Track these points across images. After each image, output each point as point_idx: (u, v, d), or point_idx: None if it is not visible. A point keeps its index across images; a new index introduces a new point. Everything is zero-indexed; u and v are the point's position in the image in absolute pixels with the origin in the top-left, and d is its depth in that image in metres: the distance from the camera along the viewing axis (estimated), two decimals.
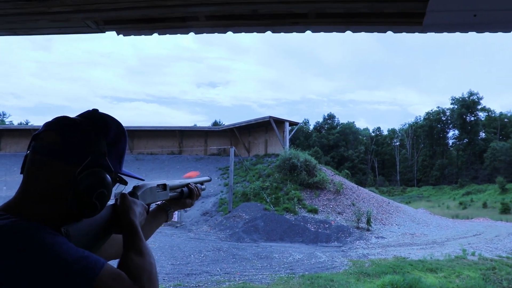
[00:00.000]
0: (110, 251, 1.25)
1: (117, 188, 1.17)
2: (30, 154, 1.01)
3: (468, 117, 71.07)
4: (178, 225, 20.46)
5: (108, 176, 1.03)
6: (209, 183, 1.91)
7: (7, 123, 73.93)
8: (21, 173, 1.02)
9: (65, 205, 0.97)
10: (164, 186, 1.40)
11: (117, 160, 1.10)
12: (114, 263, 1.03)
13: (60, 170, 0.97)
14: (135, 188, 1.26)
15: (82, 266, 0.85)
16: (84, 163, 0.99)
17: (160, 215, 1.48)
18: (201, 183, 1.74)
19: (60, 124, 1.02)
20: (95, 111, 1.09)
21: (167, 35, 3.10)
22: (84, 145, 1.00)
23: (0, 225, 0.87)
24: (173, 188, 1.49)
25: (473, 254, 13.91)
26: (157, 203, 1.46)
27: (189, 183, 1.60)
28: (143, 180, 1.27)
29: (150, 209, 1.41)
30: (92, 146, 1.01)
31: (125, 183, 1.17)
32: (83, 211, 0.98)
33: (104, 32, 3.04)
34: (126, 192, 1.21)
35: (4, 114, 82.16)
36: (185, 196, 1.56)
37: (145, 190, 1.28)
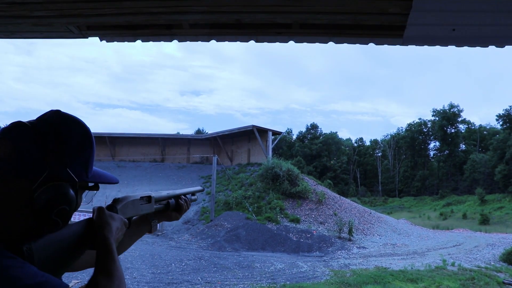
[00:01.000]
0: (87, 259, 1.17)
1: (87, 194, 1.10)
2: None
3: (448, 129, 72.16)
4: (159, 233, 20.26)
5: (70, 190, 0.94)
6: (201, 192, 1.80)
7: None
8: None
9: (24, 222, 0.90)
10: (149, 198, 1.32)
11: (83, 168, 1.00)
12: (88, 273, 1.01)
13: (15, 185, 0.89)
14: (115, 201, 1.18)
15: None
16: (41, 177, 0.90)
17: (143, 225, 1.40)
18: (193, 193, 1.65)
19: (14, 132, 0.92)
20: (57, 112, 0.99)
21: (151, 42, 3.10)
22: (41, 156, 0.91)
23: None
24: (158, 200, 1.40)
25: (453, 264, 14.06)
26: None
27: (178, 195, 1.51)
28: (116, 182, 1.17)
29: (134, 218, 1.33)
30: (51, 157, 0.92)
31: (96, 188, 1.09)
32: (43, 228, 0.91)
33: (87, 38, 3.02)
34: (105, 205, 1.14)
35: None
36: (171, 209, 1.47)
37: (126, 203, 1.20)
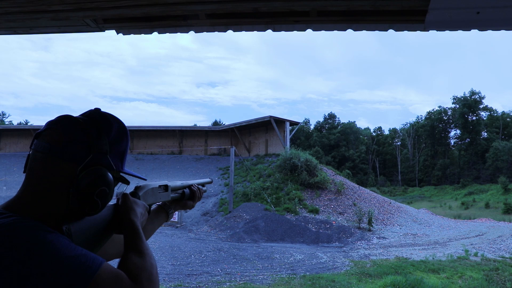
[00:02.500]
0: (111, 251, 1.26)
1: (119, 188, 1.17)
2: (32, 152, 1.01)
3: (470, 117, 70.94)
4: (178, 225, 20.44)
5: (109, 174, 1.03)
6: (210, 183, 1.89)
7: (6, 123, 73.98)
8: (24, 172, 1.02)
9: (66, 203, 0.98)
10: (165, 187, 1.41)
11: (119, 159, 1.11)
12: (115, 263, 1.03)
13: (62, 168, 0.98)
14: (137, 188, 1.27)
15: (80, 263, 0.85)
16: (86, 161, 1.00)
17: (160, 214, 1.48)
18: (203, 184, 1.75)
19: (62, 122, 1.02)
20: (97, 110, 1.10)
21: (167, 34, 3.08)
22: (86, 143, 1.01)
23: (0, 224, 0.87)
24: (174, 189, 1.49)
25: (475, 254, 13.85)
26: (158, 203, 1.47)
27: (191, 185, 1.61)
28: (145, 179, 1.28)
29: (151, 209, 1.42)
30: (94, 145, 1.02)
31: (127, 182, 1.16)
32: (84, 209, 0.99)
33: (104, 31, 3.01)
34: (128, 192, 1.21)
35: (3, 114, 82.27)
36: (186, 198, 1.57)
37: (147, 190, 1.29)
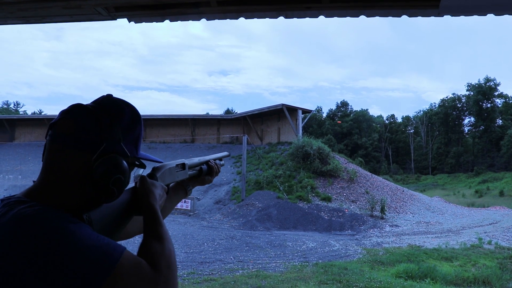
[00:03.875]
0: (132, 229, 1.29)
1: (136, 172, 1.18)
2: (47, 142, 1.02)
3: (484, 104, 69.83)
4: (191, 213, 20.59)
5: (124, 162, 1.03)
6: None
7: (21, 112, 74.76)
8: (42, 160, 1.03)
9: (84, 192, 0.99)
10: (183, 165, 1.43)
11: (133, 145, 1.11)
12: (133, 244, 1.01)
13: (76, 158, 0.99)
14: (154, 169, 1.27)
15: (102, 252, 0.86)
16: (99, 150, 1.00)
17: (179, 192, 1.51)
18: (220, 158, 1.77)
19: (74, 112, 1.02)
20: (109, 96, 1.10)
21: (178, 23, 3.06)
22: (99, 132, 1.01)
23: (26, 214, 0.88)
24: (192, 167, 1.51)
25: (489, 243, 13.76)
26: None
27: (208, 160, 1.63)
28: (161, 162, 1.28)
29: (171, 185, 1.44)
30: (107, 133, 1.02)
31: (143, 166, 1.17)
32: (101, 197, 1.00)
33: (116, 19, 3.00)
34: (145, 174, 1.21)
35: (18, 104, 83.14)
36: (204, 174, 1.60)
37: (164, 171, 1.29)
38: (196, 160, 1.55)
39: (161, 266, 0.95)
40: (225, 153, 1.85)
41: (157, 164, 1.29)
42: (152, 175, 1.24)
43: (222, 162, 1.76)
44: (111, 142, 1.02)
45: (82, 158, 0.99)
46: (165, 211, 1.43)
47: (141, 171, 1.19)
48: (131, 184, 1.16)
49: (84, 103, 1.07)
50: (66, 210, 0.94)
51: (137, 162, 1.13)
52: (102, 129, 1.01)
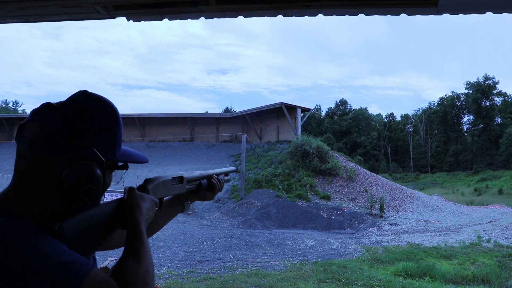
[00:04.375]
0: (118, 239, 1.23)
1: (116, 174, 1.12)
2: (16, 146, 0.96)
3: (483, 102, 69.84)
4: (190, 212, 20.59)
5: (97, 170, 0.95)
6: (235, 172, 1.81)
7: (20, 111, 74.65)
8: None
9: (55, 200, 0.93)
10: (180, 179, 1.34)
11: (110, 147, 1.02)
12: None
13: (44, 165, 0.92)
14: (146, 181, 1.19)
15: (66, 271, 0.80)
16: (68, 156, 0.92)
17: (175, 205, 1.43)
18: (226, 173, 1.67)
19: (42, 112, 0.95)
20: (83, 93, 1.01)
21: (177, 21, 3.06)
22: (68, 136, 0.93)
23: None
24: (190, 181, 1.42)
25: (488, 241, 13.77)
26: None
27: (211, 176, 1.53)
28: (146, 161, 1.16)
29: (167, 198, 1.36)
30: (77, 137, 0.94)
31: (125, 168, 1.09)
32: (71, 208, 0.93)
33: (114, 18, 3.00)
34: (138, 185, 1.16)
35: (17, 103, 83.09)
36: (204, 189, 1.50)
37: (157, 183, 1.21)
38: (197, 173, 1.46)
39: (135, 287, 0.89)
40: (232, 168, 1.73)
41: (151, 175, 1.23)
42: (143, 187, 1.16)
43: (227, 178, 1.67)
44: (82, 147, 0.94)
45: (51, 165, 0.92)
46: (158, 225, 1.37)
47: (123, 173, 1.13)
48: (121, 195, 1.10)
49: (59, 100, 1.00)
50: (36, 219, 0.88)
51: (116, 165, 1.07)
52: (71, 132, 0.93)
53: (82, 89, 1.02)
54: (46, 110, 0.95)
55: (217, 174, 1.58)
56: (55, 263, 0.80)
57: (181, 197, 1.43)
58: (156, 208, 1.17)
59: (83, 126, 0.95)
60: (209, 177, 1.52)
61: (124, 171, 1.11)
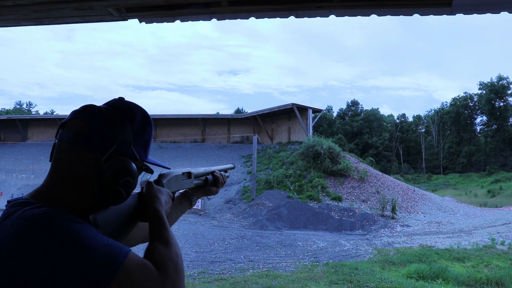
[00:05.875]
0: (138, 235, 1.28)
1: (143, 177, 1.17)
2: (57, 142, 1.01)
3: (497, 103, 68.96)
4: (201, 213, 20.64)
5: (133, 165, 1.03)
6: (232, 171, 1.86)
7: (33, 113, 75.52)
8: (50, 160, 1.02)
9: (92, 193, 0.98)
10: (189, 174, 1.41)
11: (143, 148, 1.10)
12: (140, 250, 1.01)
13: (86, 158, 0.98)
14: (161, 176, 1.26)
15: (106, 253, 0.85)
16: (109, 151, 0.99)
17: (183, 202, 1.49)
18: (225, 170, 1.74)
19: (86, 112, 1.02)
20: (121, 99, 1.09)
21: (187, 23, 3.07)
22: (110, 133, 1.00)
23: (31, 215, 0.87)
24: (197, 176, 1.49)
25: (502, 243, 13.60)
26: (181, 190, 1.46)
27: (214, 171, 1.61)
28: (168, 168, 1.27)
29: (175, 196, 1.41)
30: (118, 135, 1.01)
31: (151, 171, 1.16)
32: (109, 199, 0.99)
33: (127, 20, 3.02)
34: (152, 180, 1.20)
35: (30, 104, 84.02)
36: (209, 184, 1.57)
37: (171, 178, 1.28)
38: (202, 169, 1.53)
39: (168, 269, 0.94)
40: (230, 165, 1.83)
41: (164, 171, 1.28)
42: (158, 181, 1.23)
43: (227, 174, 1.74)
44: (122, 144, 1.02)
45: (92, 159, 0.98)
46: (170, 220, 1.39)
47: (148, 176, 1.19)
48: (138, 189, 1.15)
49: (95, 103, 1.07)
50: (72, 211, 0.93)
51: (144, 167, 1.12)
52: (113, 130, 1.00)
53: (119, 96, 1.10)
54: (90, 110, 1.02)
55: (220, 171, 1.66)
56: (97, 247, 0.85)
57: (187, 194, 1.50)
58: (172, 201, 1.24)
59: (123, 126, 1.03)
60: (212, 173, 1.60)
61: (150, 175, 1.18)
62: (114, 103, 1.07)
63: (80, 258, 0.82)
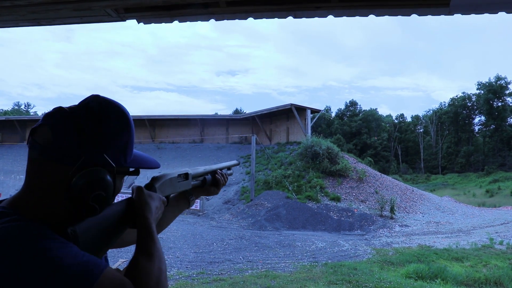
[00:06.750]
0: (128, 238, 1.23)
1: (127, 179, 1.12)
2: (28, 150, 0.95)
3: (495, 103, 69.06)
4: (200, 213, 20.63)
5: (107, 176, 0.94)
6: (236, 165, 1.81)
7: (31, 113, 75.42)
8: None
9: (67, 206, 0.92)
10: (186, 175, 1.35)
11: (121, 152, 1.00)
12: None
13: (55, 171, 0.92)
14: (154, 179, 1.18)
15: (79, 271, 0.80)
16: (77, 163, 0.91)
17: (181, 202, 1.43)
18: (229, 167, 1.69)
19: (54, 119, 0.94)
20: (95, 97, 0.99)
21: (186, 23, 3.07)
22: (78, 142, 0.92)
23: (4, 231, 0.82)
24: (196, 177, 1.43)
25: (501, 243, 13.62)
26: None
27: (215, 171, 1.54)
28: (157, 167, 1.15)
29: (172, 195, 1.36)
30: (87, 142, 0.93)
31: (136, 173, 1.08)
32: (82, 213, 0.92)
33: (125, 21, 3.02)
34: (145, 184, 1.14)
35: (29, 105, 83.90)
36: (208, 184, 1.51)
37: (164, 181, 1.21)
38: (201, 169, 1.46)
39: (148, 285, 0.89)
40: (234, 162, 1.75)
41: (159, 172, 1.21)
42: (150, 185, 1.15)
43: (230, 171, 1.69)
44: (92, 153, 0.93)
45: (62, 171, 0.91)
46: (165, 222, 1.37)
47: (134, 178, 1.12)
48: (129, 195, 1.09)
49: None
50: (49, 223, 0.88)
51: (127, 171, 1.06)
52: (82, 139, 0.92)
53: (94, 94, 1.01)
54: (57, 115, 0.94)
55: (221, 169, 1.59)
56: (68, 265, 0.79)
57: (186, 193, 1.43)
58: (164, 206, 1.16)
59: (94, 132, 0.94)
60: (213, 172, 1.53)
61: (135, 176, 1.10)
62: (86, 104, 0.97)
63: (49, 277, 0.78)
